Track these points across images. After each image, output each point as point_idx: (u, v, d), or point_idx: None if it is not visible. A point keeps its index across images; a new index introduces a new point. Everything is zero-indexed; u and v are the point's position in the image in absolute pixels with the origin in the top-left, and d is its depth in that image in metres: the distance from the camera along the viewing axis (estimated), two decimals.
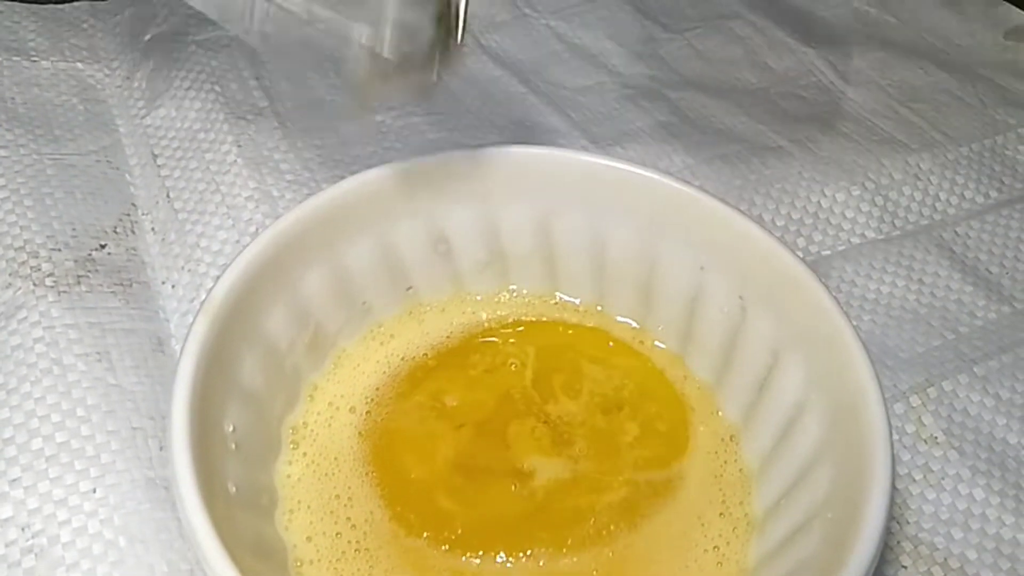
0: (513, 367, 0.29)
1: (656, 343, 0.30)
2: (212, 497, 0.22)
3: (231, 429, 0.24)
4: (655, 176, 0.28)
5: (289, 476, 0.26)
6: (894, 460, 0.22)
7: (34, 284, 0.32)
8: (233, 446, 0.24)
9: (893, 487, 0.22)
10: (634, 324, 0.30)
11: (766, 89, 0.44)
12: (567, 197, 0.28)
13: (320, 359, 0.29)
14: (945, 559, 0.29)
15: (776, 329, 0.27)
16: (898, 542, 0.29)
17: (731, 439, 0.27)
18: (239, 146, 0.38)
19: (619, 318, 0.30)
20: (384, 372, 0.29)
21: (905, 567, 0.29)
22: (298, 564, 0.25)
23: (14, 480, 0.28)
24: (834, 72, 0.45)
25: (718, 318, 0.28)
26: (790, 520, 0.24)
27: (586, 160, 0.28)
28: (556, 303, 0.31)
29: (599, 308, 0.31)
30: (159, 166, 0.38)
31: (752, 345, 0.27)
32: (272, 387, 0.26)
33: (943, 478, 0.31)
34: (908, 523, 0.30)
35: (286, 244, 0.26)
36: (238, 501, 0.23)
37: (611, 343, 0.30)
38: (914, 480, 0.31)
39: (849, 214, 0.38)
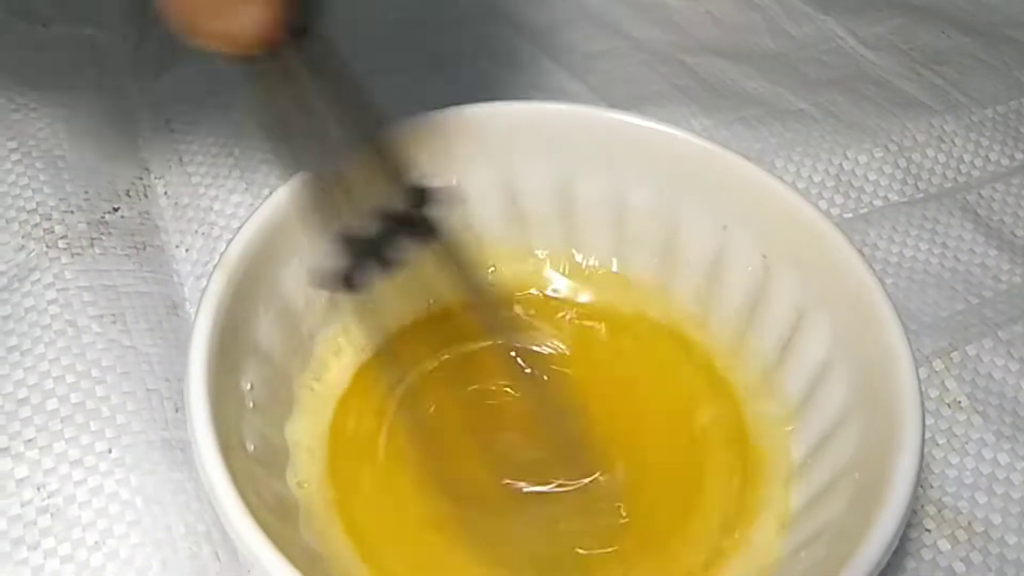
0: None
1: (678, 304, 0.29)
2: (230, 454, 0.21)
3: (248, 387, 0.24)
4: (678, 133, 0.27)
5: (304, 436, 0.26)
6: (924, 419, 0.22)
7: (47, 246, 0.32)
8: (251, 404, 0.24)
9: (923, 446, 0.21)
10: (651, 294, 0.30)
11: (785, 54, 0.43)
12: (588, 156, 0.28)
13: (336, 320, 0.28)
14: (969, 523, 0.28)
15: (801, 288, 0.26)
16: (922, 506, 0.29)
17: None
18: (251, 111, 0.38)
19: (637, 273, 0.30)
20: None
21: (929, 530, 0.28)
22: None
23: (29, 440, 0.27)
24: (854, 38, 0.44)
25: (741, 278, 0.28)
26: (816, 481, 0.24)
27: (608, 117, 0.28)
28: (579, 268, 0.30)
29: (616, 270, 0.30)
30: (172, 131, 0.38)
31: (776, 304, 0.27)
32: (288, 347, 0.26)
33: (967, 443, 0.30)
34: (932, 487, 0.29)
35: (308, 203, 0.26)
36: (256, 459, 0.23)
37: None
38: (937, 444, 0.30)
39: (872, 177, 0.37)
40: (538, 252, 0.30)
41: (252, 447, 0.23)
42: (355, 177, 0.23)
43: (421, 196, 0.23)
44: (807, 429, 0.25)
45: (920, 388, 0.22)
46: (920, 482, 0.29)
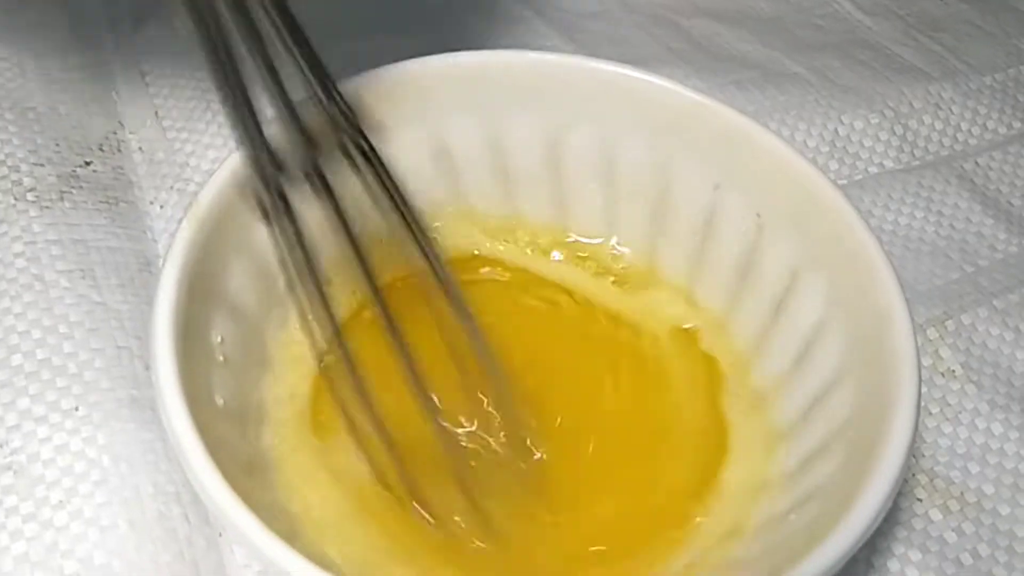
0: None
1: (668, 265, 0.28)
2: (198, 407, 0.20)
3: (219, 340, 0.23)
4: (670, 85, 0.26)
5: (278, 394, 0.25)
6: (920, 380, 0.21)
7: (15, 199, 0.31)
8: (221, 358, 0.23)
9: (919, 408, 0.21)
10: (641, 255, 0.29)
11: (781, 18, 0.42)
12: (577, 108, 0.27)
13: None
14: (961, 493, 0.28)
15: (795, 248, 0.25)
16: (913, 475, 0.28)
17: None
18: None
19: (622, 248, 0.29)
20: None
21: (920, 500, 0.28)
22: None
23: None
24: (851, 3, 0.43)
25: (733, 238, 0.27)
26: (808, 443, 0.23)
27: (598, 68, 0.27)
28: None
29: (601, 238, 0.29)
30: (147, 84, 0.37)
31: (769, 265, 0.26)
32: (263, 302, 0.25)
33: (960, 412, 0.30)
34: (924, 456, 0.29)
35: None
36: (226, 414, 0.22)
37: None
38: (930, 414, 0.29)
39: (867, 143, 0.36)
40: (524, 213, 0.29)
41: (222, 401, 0.22)
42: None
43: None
44: (799, 391, 0.24)
45: (917, 348, 0.21)
46: (912, 451, 0.29)
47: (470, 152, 0.28)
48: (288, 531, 0.22)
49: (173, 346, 0.20)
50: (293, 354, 0.26)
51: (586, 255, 0.29)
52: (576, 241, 0.29)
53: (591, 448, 0.25)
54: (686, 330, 0.28)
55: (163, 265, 0.22)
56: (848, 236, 0.24)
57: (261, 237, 0.25)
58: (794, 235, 0.25)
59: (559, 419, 0.25)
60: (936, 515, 0.27)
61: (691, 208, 0.27)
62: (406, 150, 0.27)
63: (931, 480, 0.28)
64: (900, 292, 0.22)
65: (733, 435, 0.26)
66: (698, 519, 0.24)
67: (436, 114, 0.27)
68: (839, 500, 0.20)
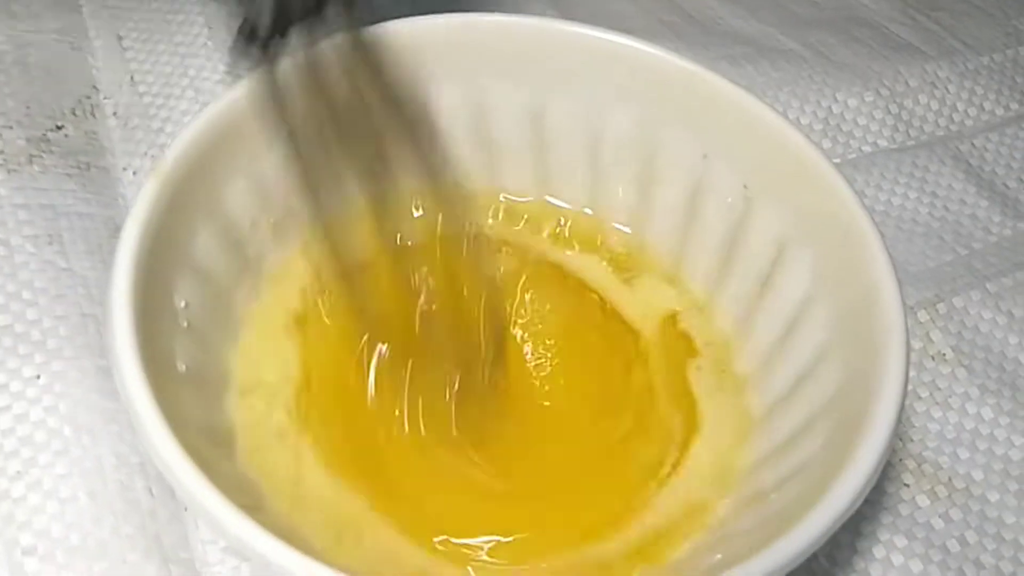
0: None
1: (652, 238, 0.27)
2: (157, 372, 0.19)
3: (183, 305, 0.22)
4: (657, 52, 0.25)
5: (246, 363, 0.24)
6: (909, 355, 0.20)
7: None
8: (185, 323, 0.22)
9: (907, 385, 0.20)
10: (627, 230, 0.28)
11: None
12: (562, 75, 0.26)
13: (287, 245, 0.26)
14: (950, 479, 0.27)
15: (783, 221, 0.24)
16: (900, 459, 0.27)
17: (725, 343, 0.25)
18: (209, 27, 0.36)
19: (614, 224, 0.28)
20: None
21: (907, 485, 0.27)
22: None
23: None
24: None
25: (720, 211, 0.26)
26: (790, 422, 0.22)
27: (583, 33, 0.26)
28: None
29: (588, 211, 0.28)
30: (124, 48, 0.36)
31: (756, 239, 0.25)
32: (232, 268, 0.24)
33: (950, 396, 0.29)
34: (912, 441, 0.28)
35: (252, 109, 0.24)
36: (188, 380, 0.21)
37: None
38: (919, 397, 0.29)
39: (862, 121, 0.36)
40: (505, 182, 0.28)
41: (184, 368, 0.21)
42: None
43: None
44: (783, 369, 0.23)
45: (906, 325, 0.20)
46: (899, 436, 0.28)
47: (450, 117, 0.27)
48: (252, 503, 0.21)
49: (131, 308, 0.19)
50: (262, 322, 0.25)
51: (570, 228, 0.28)
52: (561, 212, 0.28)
53: (552, 416, 0.24)
54: (669, 309, 0.27)
55: (124, 223, 0.21)
56: (838, 209, 0.23)
57: (230, 201, 0.24)
58: (782, 207, 0.24)
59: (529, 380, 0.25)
60: (923, 500, 0.27)
61: (678, 178, 0.26)
62: None
63: (919, 465, 0.27)
64: (890, 266, 0.21)
65: (711, 415, 0.25)
66: (665, 499, 0.23)
67: (416, 77, 0.26)
68: (820, 479, 0.19)
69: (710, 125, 0.25)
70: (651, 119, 0.26)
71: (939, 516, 0.26)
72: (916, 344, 0.30)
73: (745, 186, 0.25)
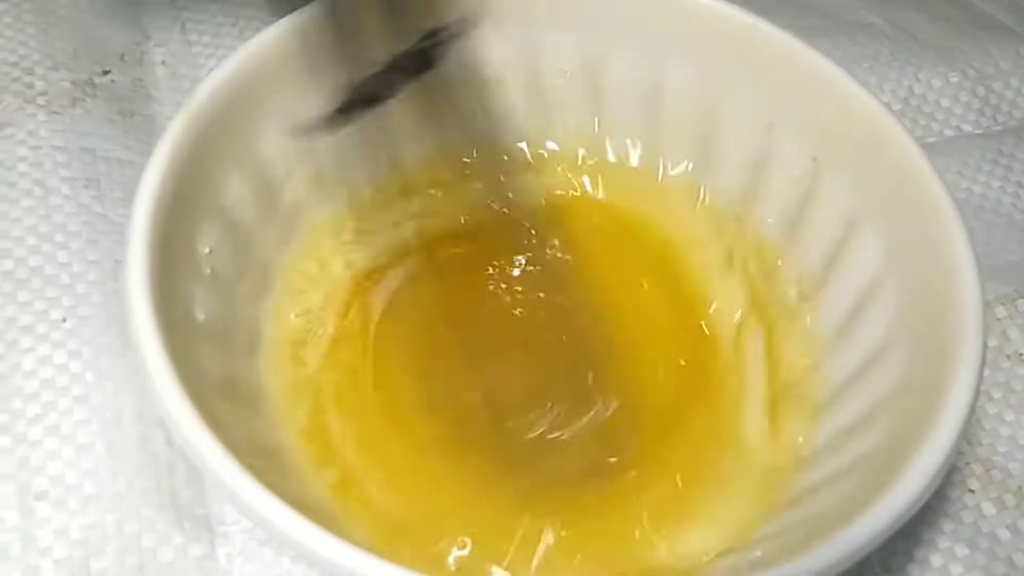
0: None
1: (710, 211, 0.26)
2: (170, 315, 0.19)
3: (207, 251, 0.21)
4: (721, 6, 0.23)
5: (276, 319, 0.23)
6: (985, 345, 0.18)
7: (24, 101, 0.29)
8: (208, 270, 0.21)
9: (981, 377, 0.18)
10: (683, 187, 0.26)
11: None
12: (620, 28, 0.24)
13: (325, 199, 0.25)
14: (1020, 487, 0.25)
15: (854, 196, 0.23)
16: (967, 463, 0.25)
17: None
18: None
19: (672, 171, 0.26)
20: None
21: (972, 491, 0.25)
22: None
23: None
24: None
25: (785, 184, 0.24)
26: (851, 411, 0.20)
27: None
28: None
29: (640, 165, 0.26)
30: None
31: (823, 215, 0.23)
32: (264, 218, 0.23)
33: None
34: (981, 444, 0.26)
35: (288, 51, 0.23)
36: (207, 331, 0.20)
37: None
38: (991, 399, 0.27)
39: (945, 103, 0.33)
40: (557, 141, 0.26)
41: (203, 316, 0.20)
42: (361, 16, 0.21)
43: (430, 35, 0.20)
44: (847, 354, 0.22)
45: (984, 312, 0.18)
46: (967, 438, 0.26)
47: (503, 69, 0.25)
48: (267, 466, 0.20)
49: (148, 247, 0.19)
50: (297, 278, 0.24)
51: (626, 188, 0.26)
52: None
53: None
54: None
55: (149, 159, 0.20)
56: (914, 184, 0.21)
57: (265, 146, 0.23)
58: (853, 182, 0.23)
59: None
60: (989, 509, 0.24)
61: (740, 146, 0.24)
62: None
63: (987, 471, 0.25)
64: (969, 246, 0.19)
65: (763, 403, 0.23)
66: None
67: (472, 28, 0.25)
68: (880, 476, 0.17)
69: (778, 89, 0.23)
70: (715, 80, 0.24)
71: (1006, 527, 0.24)
72: (992, 342, 0.28)
73: (814, 158, 0.23)
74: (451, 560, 0.20)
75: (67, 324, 0.25)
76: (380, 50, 0.21)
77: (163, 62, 0.33)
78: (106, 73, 0.32)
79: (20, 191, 0.27)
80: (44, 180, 0.28)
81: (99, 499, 0.22)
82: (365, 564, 0.16)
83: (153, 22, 0.34)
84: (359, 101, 0.20)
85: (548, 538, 0.21)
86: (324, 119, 0.21)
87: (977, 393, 0.18)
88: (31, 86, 0.30)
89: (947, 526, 0.24)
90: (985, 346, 0.18)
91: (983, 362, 0.18)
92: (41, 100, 0.30)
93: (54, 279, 0.26)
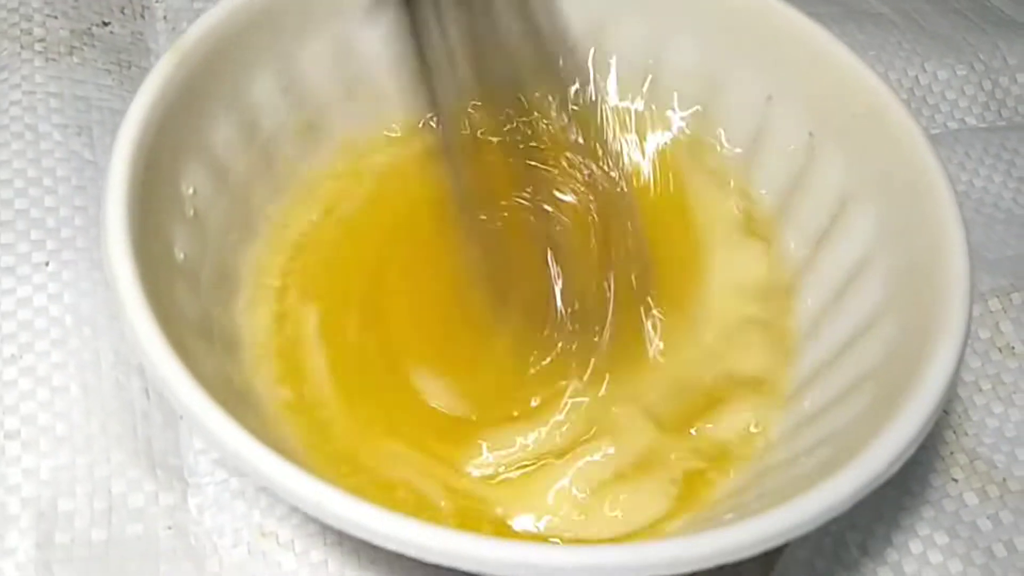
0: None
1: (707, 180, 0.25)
2: (148, 252, 0.18)
3: (190, 192, 0.21)
4: None
5: (260, 266, 0.23)
6: (971, 313, 0.18)
7: (21, 47, 0.29)
8: (191, 212, 0.21)
9: (965, 345, 0.17)
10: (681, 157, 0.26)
11: None
12: (623, 2, 0.24)
13: (313, 150, 0.25)
14: (1004, 479, 0.25)
15: (848, 173, 0.22)
16: (951, 452, 0.25)
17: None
18: None
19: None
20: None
21: (956, 480, 0.24)
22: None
23: None
24: None
25: (781, 160, 0.24)
26: (837, 382, 0.20)
27: None
28: None
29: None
30: None
31: (817, 192, 0.23)
32: (251, 165, 0.23)
33: (1014, 392, 0.26)
34: (967, 435, 0.25)
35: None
36: (185, 271, 0.20)
37: None
38: (980, 390, 0.26)
39: (950, 95, 0.33)
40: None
41: (183, 256, 0.20)
42: None
43: None
44: (832, 329, 0.21)
45: (970, 288, 0.18)
46: (953, 427, 0.26)
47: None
48: (241, 410, 0.20)
49: (129, 178, 0.18)
50: (281, 227, 0.24)
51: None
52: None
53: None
54: None
55: (136, 95, 0.20)
56: (909, 158, 0.20)
57: (259, 92, 0.23)
58: (849, 159, 0.22)
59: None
60: (972, 499, 0.24)
61: (738, 119, 0.24)
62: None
63: (971, 461, 0.25)
64: (959, 219, 0.19)
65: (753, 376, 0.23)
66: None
67: None
68: (856, 442, 0.17)
69: (776, 62, 0.23)
70: (716, 54, 0.24)
71: (987, 517, 0.24)
72: (984, 334, 0.27)
73: (811, 134, 0.23)
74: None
75: (50, 267, 0.25)
76: None
77: (164, 17, 0.33)
78: (106, 24, 0.31)
79: (11, 134, 0.27)
80: (36, 125, 0.27)
81: (70, 441, 0.22)
82: (328, 496, 0.15)
83: None
84: None
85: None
86: None
87: (961, 359, 0.17)
88: (29, 32, 0.30)
89: (927, 512, 0.24)
90: (970, 318, 0.18)
91: (967, 334, 0.18)
92: (39, 47, 0.29)
93: (40, 222, 0.25)
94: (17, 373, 0.23)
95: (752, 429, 0.21)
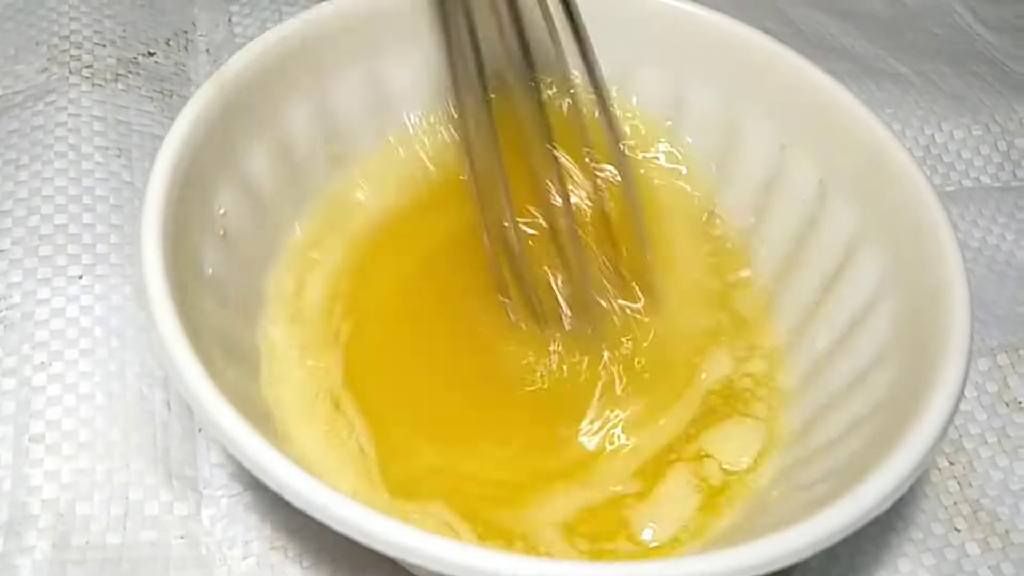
0: None
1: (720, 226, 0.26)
2: (180, 267, 0.19)
3: (221, 211, 0.22)
4: (746, 31, 0.24)
5: (284, 288, 0.24)
6: (970, 359, 0.18)
7: (70, 72, 0.31)
8: (221, 231, 0.22)
9: (963, 388, 0.18)
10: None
11: (894, 20, 0.39)
12: (647, 46, 0.25)
13: (343, 178, 0.26)
14: (1007, 531, 0.25)
15: (857, 221, 0.23)
16: (955, 503, 0.25)
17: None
18: None
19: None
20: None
21: (958, 530, 0.25)
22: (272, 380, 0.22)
23: (2, 251, 0.26)
24: (973, 16, 0.40)
25: (792, 207, 0.24)
26: (836, 421, 0.20)
27: (671, 4, 0.25)
28: None
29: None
30: None
31: (825, 240, 0.24)
32: (281, 189, 0.24)
33: (1020, 446, 0.26)
34: (971, 486, 0.26)
35: (325, 33, 0.24)
36: (212, 286, 0.21)
37: None
38: (986, 442, 0.27)
39: (965, 154, 0.33)
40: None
41: (211, 271, 0.21)
42: None
43: None
44: (836, 371, 0.22)
45: (970, 337, 0.19)
46: (958, 478, 0.26)
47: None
48: (259, 424, 0.20)
49: (165, 194, 0.19)
50: (305, 250, 0.25)
51: None
52: None
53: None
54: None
55: (175, 121, 0.21)
56: (915, 208, 0.21)
57: (293, 122, 0.24)
58: (858, 206, 0.23)
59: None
60: (973, 549, 0.24)
61: (754, 167, 0.25)
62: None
63: (974, 512, 0.25)
64: (962, 266, 0.19)
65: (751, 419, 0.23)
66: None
67: None
68: (847, 482, 0.17)
69: (790, 110, 0.24)
70: (735, 101, 0.25)
71: (988, 568, 0.24)
72: (991, 387, 0.28)
73: (821, 181, 0.24)
74: None
75: (83, 281, 0.26)
76: None
77: (207, 50, 0.34)
78: (151, 54, 0.33)
79: (55, 153, 0.28)
80: (79, 146, 0.29)
81: (92, 447, 0.23)
82: (344, 506, 0.16)
83: (202, 13, 0.35)
84: None
85: None
86: None
87: (957, 406, 0.18)
88: (78, 59, 0.31)
89: (928, 560, 0.24)
90: (968, 366, 0.18)
91: (966, 376, 0.18)
92: (86, 72, 0.31)
93: (77, 238, 0.27)
94: (46, 379, 0.24)
95: (747, 465, 0.22)
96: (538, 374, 0.23)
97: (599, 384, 0.23)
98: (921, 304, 0.20)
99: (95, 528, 0.22)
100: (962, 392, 0.18)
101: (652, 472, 0.22)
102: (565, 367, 0.23)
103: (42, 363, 0.24)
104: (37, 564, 0.21)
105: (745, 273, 0.25)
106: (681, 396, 0.23)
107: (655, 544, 0.21)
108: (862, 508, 0.16)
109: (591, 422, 0.23)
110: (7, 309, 0.25)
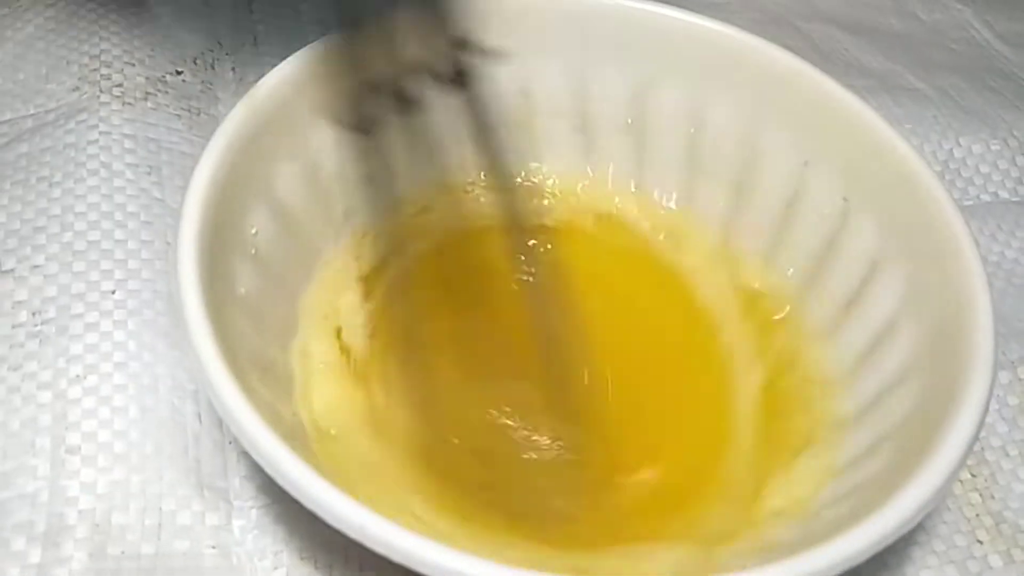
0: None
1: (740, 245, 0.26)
2: (214, 287, 0.20)
3: (253, 232, 0.22)
4: (763, 45, 0.24)
5: (315, 307, 0.24)
6: (995, 375, 0.18)
7: (100, 91, 0.31)
8: (254, 251, 0.22)
9: (987, 406, 0.18)
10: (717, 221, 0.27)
11: (910, 36, 0.39)
12: (665, 61, 0.25)
13: (373, 198, 0.26)
14: None
15: (880, 238, 0.23)
16: (977, 515, 0.25)
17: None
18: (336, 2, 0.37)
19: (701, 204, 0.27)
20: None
21: (981, 542, 0.25)
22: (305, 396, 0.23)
23: (36, 267, 0.26)
24: (990, 31, 0.40)
25: (815, 223, 0.25)
26: (860, 442, 0.21)
27: (691, 21, 0.25)
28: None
29: (674, 207, 0.27)
30: (252, 11, 0.37)
31: (849, 256, 0.24)
32: (312, 211, 0.24)
33: None
34: (993, 498, 0.26)
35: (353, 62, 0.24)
36: (245, 306, 0.21)
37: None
38: (1007, 455, 0.27)
39: (984, 169, 0.34)
40: (598, 167, 0.27)
41: (243, 291, 0.21)
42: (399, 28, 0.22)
43: (461, 47, 0.21)
44: (860, 388, 0.22)
45: (995, 343, 0.19)
46: (979, 490, 0.26)
47: (549, 97, 0.26)
48: (295, 444, 0.21)
49: (200, 217, 0.20)
50: (340, 272, 0.25)
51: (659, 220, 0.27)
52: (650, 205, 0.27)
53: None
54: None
55: (208, 143, 0.21)
56: (938, 226, 0.21)
57: (322, 146, 0.24)
58: (881, 223, 0.23)
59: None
60: (996, 561, 0.24)
61: (776, 184, 0.25)
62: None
63: (997, 524, 0.25)
64: (986, 285, 0.20)
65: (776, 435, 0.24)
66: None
67: (521, 53, 0.26)
68: (871, 501, 0.17)
69: (813, 128, 0.24)
70: (755, 118, 0.25)
71: None
72: (1011, 400, 0.28)
73: (845, 198, 0.24)
74: None
75: (116, 295, 0.26)
76: (413, 56, 0.22)
77: (233, 69, 0.35)
78: (179, 73, 0.34)
79: (87, 171, 0.29)
80: (110, 163, 0.29)
81: (127, 459, 0.23)
82: (373, 523, 0.16)
83: (228, 33, 0.36)
84: (389, 103, 0.21)
85: None
86: (358, 118, 0.22)
87: (982, 421, 0.18)
88: (108, 78, 0.32)
89: (951, 573, 0.24)
90: (995, 376, 0.18)
91: (990, 393, 0.18)
92: (116, 91, 0.31)
93: (109, 253, 0.27)
94: (81, 392, 0.24)
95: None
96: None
97: None
98: (945, 320, 0.20)
99: (131, 538, 0.23)
100: (987, 407, 0.18)
101: None
102: None
103: (77, 376, 0.25)
104: (74, 574, 0.22)
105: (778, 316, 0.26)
106: None
107: None
108: (888, 528, 0.16)
109: None
110: (43, 323, 0.25)
